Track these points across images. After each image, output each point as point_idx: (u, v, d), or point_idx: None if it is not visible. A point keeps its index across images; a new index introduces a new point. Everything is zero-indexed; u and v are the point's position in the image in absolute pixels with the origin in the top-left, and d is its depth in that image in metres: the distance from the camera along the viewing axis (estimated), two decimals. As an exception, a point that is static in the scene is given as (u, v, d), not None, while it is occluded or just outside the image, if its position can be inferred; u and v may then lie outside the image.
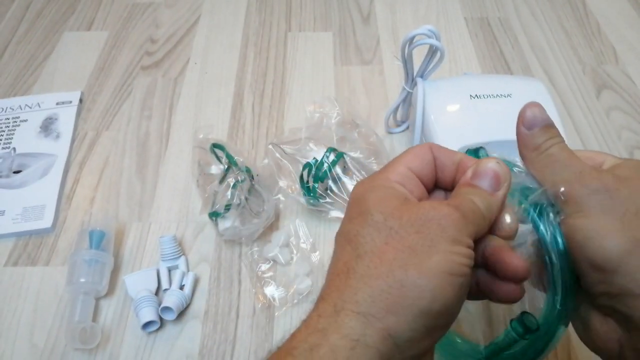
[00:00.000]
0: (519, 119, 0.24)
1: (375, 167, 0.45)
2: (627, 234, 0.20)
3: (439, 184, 0.24)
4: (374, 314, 0.18)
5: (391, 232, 0.20)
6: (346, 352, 0.18)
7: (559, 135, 0.24)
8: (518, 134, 0.24)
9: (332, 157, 0.43)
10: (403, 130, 0.53)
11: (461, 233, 0.20)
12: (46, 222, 0.46)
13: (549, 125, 0.24)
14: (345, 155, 0.44)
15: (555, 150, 0.23)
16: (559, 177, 0.22)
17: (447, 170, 0.23)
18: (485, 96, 0.42)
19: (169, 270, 0.42)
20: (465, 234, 0.20)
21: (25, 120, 0.55)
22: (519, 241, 0.23)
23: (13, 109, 0.56)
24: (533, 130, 0.23)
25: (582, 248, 0.21)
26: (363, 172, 0.44)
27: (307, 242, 0.43)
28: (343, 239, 0.21)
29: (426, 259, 0.19)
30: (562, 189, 0.22)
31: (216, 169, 0.46)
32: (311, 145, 0.45)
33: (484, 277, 0.22)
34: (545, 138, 0.23)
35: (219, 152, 0.46)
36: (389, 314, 0.18)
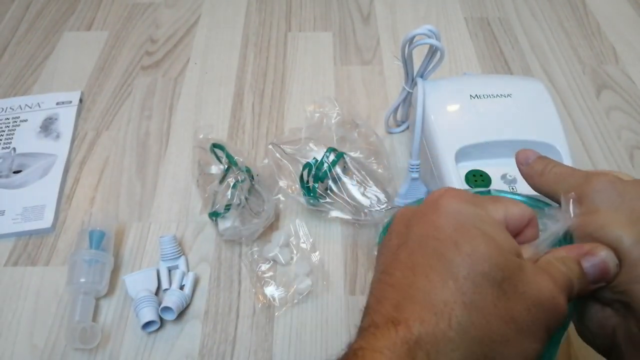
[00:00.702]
0: (517, 162, 0.26)
1: (375, 167, 0.45)
2: (635, 228, 0.21)
3: None
4: None
5: (503, 296, 0.18)
6: None
7: (554, 160, 0.26)
8: (521, 172, 0.26)
9: (332, 157, 0.43)
10: (403, 130, 0.53)
11: (556, 328, 0.20)
12: (46, 222, 0.46)
13: (543, 156, 0.26)
14: (345, 155, 0.44)
15: (558, 169, 0.25)
16: (568, 185, 0.24)
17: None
18: (485, 96, 0.42)
19: (169, 270, 0.42)
20: (561, 324, 0.20)
21: (25, 120, 0.55)
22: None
23: (13, 109, 0.56)
24: (530, 162, 0.26)
25: (593, 239, 0.22)
26: (363, 172, 0.44)
27: (307, 242, 0.44)
28: (437, 261, 0.19)
29: (526, 342, 0.18)
30: (573, 193, 0.23)
31: (216, 169, 0.46)
32: (311, 145, 0.45)
33: None
34: (544, 164, 0.25)
35: (219, 152, 0.46)
36: None
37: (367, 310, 0.20)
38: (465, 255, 0.19)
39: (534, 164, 0.26)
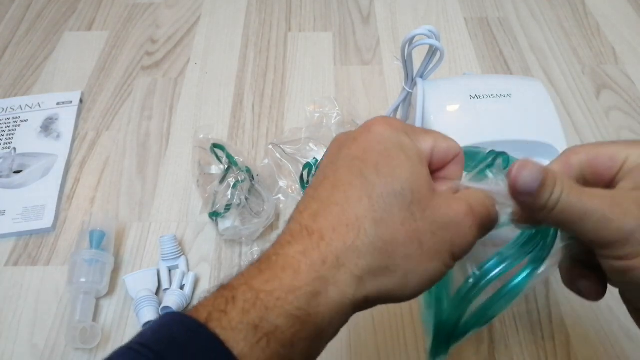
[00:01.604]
0: (512, 190, 0.20)
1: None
2: None
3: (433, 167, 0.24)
4: (366, 282, 0.20)
5: (411, 217, 0.20)
6: (339, 307, 0.19)
7: (555, 180, 0.20)
8: (519, 203, 0.21)
9: (332, 157, 0.43)
10: (403, 131, 0.53)
11: (464, 252, 0.21)
12: (46, 222, 0.46)
13: (543, 181, 0.20)
14: (345, 155, 0.44)
15: (564, 202, 0.20)
16: (585, 229, 0.20)
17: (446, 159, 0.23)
18: (485, 96, 0.42)
19: (169, 270, 0.42)
20: (468, 251, 0.21)
21: (26, 121, 0.55)
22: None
23: (13, 109, 0.56)
24: (532, 195, 0.20)
25: None
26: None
27: (307, 242, 0.44)
28: (358, 177, 0.21)
29: (427, 261, 0.20)
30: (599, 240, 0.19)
31: (216, 169, 0.46)
32: (311, 145, 0.45)
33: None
34: (547, 195, 0.20)
35: (219, 152, 0.46)
36: (380, 289, 0.20)
37: (288, 221, 0.22)
38: (382, 176, 0.20)
39: (535, 198, 0.20)
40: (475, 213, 0.21)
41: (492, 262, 0.23)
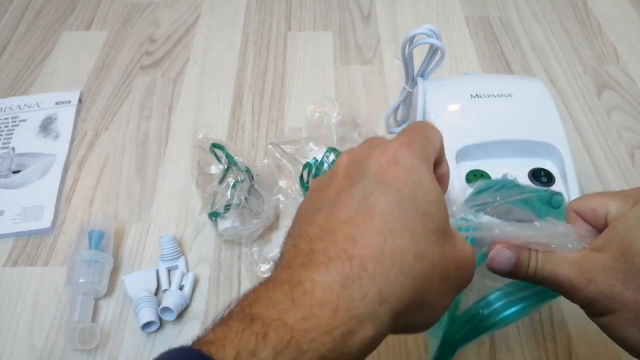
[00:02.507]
0: (493, 271, 0.25)
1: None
2: (637, 324, 0.21)
3: None
4: (402, 317, 0.19)
5: (444, 256, 0.20)
6: (371, 342, 0.19)
7: (529, 256, 0.24)
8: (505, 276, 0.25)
9: (332, 157, 0.43)
10: (403, 130, 0.53)
11: (461, 289, 0.22)
12: (45, 222, 0.46)
13: (515, 261, 0.24)
14: (345, 155, 0.44)
15: (540, 273, 0.24)
16: (561, 292, 0.24)
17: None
18: (486, 96, 0.42)
19: (169, 270, 0.42)
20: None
21: (25, 120, 0.55)
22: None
23: (12, 109, 0.56)
24: (510, 272, 0.24)
25: (612, 337, 0.23)
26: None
27: (307, 243, 0.43)
28: (396, 201, 0.20)
29: (448, 298, 0.21)
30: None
31: (216, 169, 0.46)
32: (311, 145, 0.44)
33: None
34: (524, 270, 0.24)
35: (219, 152, 0.45)
36: (409, 322, 0.20)
37: (310, 238, 0.19)
38: (420, 212, 0.20)
39: (516, 270, 0.24)
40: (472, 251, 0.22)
41: (500, 303, 0.25)
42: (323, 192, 0.22)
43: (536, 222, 0.24)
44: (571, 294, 0.23)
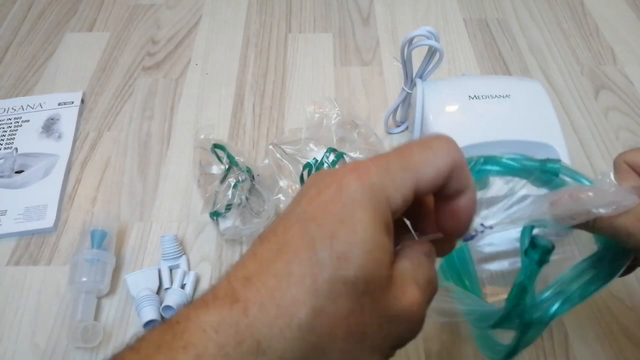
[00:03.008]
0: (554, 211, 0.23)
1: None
2: None
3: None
4: None
5: (358, 311, 0.17)
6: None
7: None
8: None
9: (332, 157, 0.43)
10: (402, 131, 0.53)
11: (406, 340, 0.19)
12: (48, 221, 0.46)
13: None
14: (345, 156, 0.44)
15: (599, 224, 0.23)
16: (618, 240, 0.24)
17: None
18: (484, 97, 0.42)
19: (170, 269, 0.42)
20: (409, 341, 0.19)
21: (27, 121, 0.55)
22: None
23: (15, 110, 0.57)
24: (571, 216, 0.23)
25: None
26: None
27: (307, 242, 0.44)
28: (310, 238, 0.17)
29: (364, 357, 0.17)
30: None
31: (217, 169, 0.46)
32: (311, 145, 0.45)
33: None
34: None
35: (220, 152, 0.46)
36: None
37: (226, 271, 0.18)
38: (334, 254, 0.16)
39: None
40: (425, 296, 0.19)
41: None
42: (275, 219, 0.20)
43: (590, 193, 0.23)
44: (627, 240, 0.23)
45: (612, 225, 0.23)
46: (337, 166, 0.43)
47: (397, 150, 0.19)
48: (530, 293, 0.24)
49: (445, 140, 0.19)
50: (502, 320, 0.25)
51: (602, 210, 0.22)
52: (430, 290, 0.19)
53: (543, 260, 0.22)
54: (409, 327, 0.18)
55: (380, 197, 0.18)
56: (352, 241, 0.17)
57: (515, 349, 0.25)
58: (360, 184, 0.17)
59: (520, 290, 0.24)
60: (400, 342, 0.18)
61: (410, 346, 0.38)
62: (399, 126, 0.53)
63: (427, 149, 0.19)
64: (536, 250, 0.22)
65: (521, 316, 0.24)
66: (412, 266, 0.19)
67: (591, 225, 0.24)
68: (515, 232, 0.25)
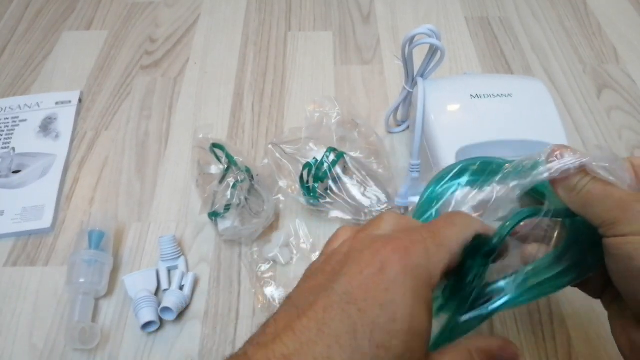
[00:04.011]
0: (550, 161, 0.23)
1: (375, 167, 0.45)
2: None
3: None
4: None
5: None
6: None
7: (592, 173, 0.23)
8: (552, 180, 0.23)
9: (332, 157, 0.43)
10: (403, 130, 0.53)
11: None
12: (45, 222, 0.46)
13: (581, 167, 0.23)
14: (345, 155, 0.44)
15: (591, 187, 0.22)
16: (600, 209, 0.22)
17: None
18: (486, 96, 0.42)
19: (169, 270, 0.42)
20: None
21: (25, 120, 0.55)
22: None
23: (12, 109, 0.56)
24: (570, 175, 0.23)
25: (631, 259, 0.21)
26: (363, 172, 0.44)
27: (307, 242, 0.43)
28: (351, 324, 0.17)
29: None
30: (608, 220, 0.22)
31: (216, 168, 0.46)
32: (311, 145, 0.44)
33: None
34: (578, 178, 0.23)
35: (219, 152, 0.45)
36: None
37: (258, 342, 0.18)
38: (375, 344, 0.17)
39: (569, 177, 0.23)
40: None
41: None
42: (306, 282, 0.20)
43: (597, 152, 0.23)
44: (614, 208, 0.21)
45: (604, 189, 0.22)
46: (336, 166, 0.43)
47: (428, 229, 0.20)
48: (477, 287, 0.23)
49: (466, 216, 0.22)
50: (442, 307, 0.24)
51: (603, 165, 0.22)
52: None
53: (486, 261, 0.22)
54: None
55: (422, 277, 0.18)
56: (391, 330, 0.17)
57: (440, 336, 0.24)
58: (403, 266, 0.18)
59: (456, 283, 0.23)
60: None
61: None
62: (399, 125, 0.53)
63: (453, 226, 0.21)
64: (479, 251, 0.22)
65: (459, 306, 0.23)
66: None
67: (582, 184, 0.22)
68: None
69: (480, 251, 0.22)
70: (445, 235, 0.20)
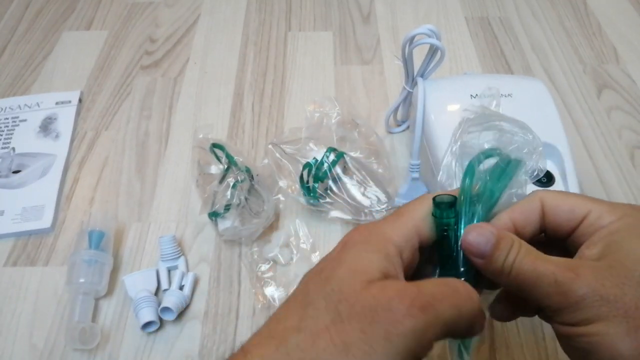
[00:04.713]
0: (466, 251, 0.21)
1: (375, 167, 0.45)
2: (635, 336, 0.18)
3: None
4: None
5: (337, 318, 0.18)
6: None
7: (511, 243, 0.20)
8: (478, 266, 0.21)
9: (332, 157, 0.43)
10: (403, 130, 0.53)
11: (413, 343, 0.17)
12: (45, 222, 0.46)
13: (495, 244, 0.20)
14: (345, 155, 0.44)
15: (518, 267, 0.20)
16: (538, 294, 0.20)
17: None
18: (486, 96, 0.42)
19: (169, 270, 0.42)
20: (420, 341, 0.18)
21: (25, 120, 0.55)
22: None
23: (12, 109, 0.56)
24: (485, 257, 0.20)
25: (589, 353, 0.19)
26: (363, 172, 0.44)
27: (307, 242, 0.43)
28: (301, 292, 0.20)
29: None
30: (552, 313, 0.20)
31: (216, 168, 0.46)
32: (311, 145, 0.44)
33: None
34: (502, 258, 0.20)
35: (219, 152, 0.45)
36: None
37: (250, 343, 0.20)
38: (319, 280, 0.19)
39: (491, 260, 0.20)
40: (431, 311, 0.18)
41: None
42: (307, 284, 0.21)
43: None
44: (552, 291, 0.19)
45: (535, 271, 0.19)
46: (336, 166, 0.43)
47: (389, 220, 0.22)
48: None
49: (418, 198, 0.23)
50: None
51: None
52: (446, 322, 0.18)
53: (446, 216, 0.22)
54: (392, 323, 0.17)
55: (371, 232, 0.21)
56: (334, 264, 0.20)
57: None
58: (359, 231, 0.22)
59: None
60: (394, 343, 0.17)
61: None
62: (399, 125, 0.53)
63: (405, 208, 0.22)
64: (438, 210, 0.22)
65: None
66: (423, 281, 0.20)
67: (508, 266, 0.20)
68: None
69: (445, 204, 0.22)
70: (404, 215, 0.22)
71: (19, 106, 0.56)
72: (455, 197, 0.22)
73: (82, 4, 0.70)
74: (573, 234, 0.22)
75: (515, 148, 0.24)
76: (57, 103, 0.56)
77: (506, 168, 0.23)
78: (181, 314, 0.40)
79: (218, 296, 0.41)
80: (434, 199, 0.22)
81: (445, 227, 0.22)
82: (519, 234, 0.22)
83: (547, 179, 0.38)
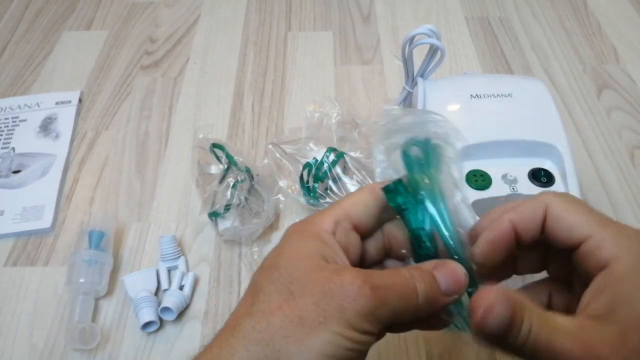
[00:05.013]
0: (479, 333, 0.19)
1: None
2: None
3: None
4: None
5: (290, 297, 0.19)
6: None
7: (522, 317, 0.19)
8: (493, 343, 0.19)
9: (332, 157, 0.43)
10: (403, 130, 0.53)
11: (364, 319, 0.18)
12: (45, 222, 0.46)
13: (511, 321, 0.18)
14: (345, 155, 0.44)
15: (532, 345, 0.18)
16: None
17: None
18: (486, 96, 0.42)
19: (169, 270, 0.42)
20: (370, 319, 0.18)
21: (25, 120, 0.55)
22: None
23: (12, 109, 0.56)
24: (498, 338, 0.19)
25: None
26: (363, 172, 0.44)
27: (307, 242, 0.43)
28: (250, 286, 0.21)
29: (311, 336, 0.18)
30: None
31: (216, 168, 0.46)
32: (311, 145, 0.44)
33: None
34: (515, 335, 0.18)
35: (219, 152, 0.45)
36: None
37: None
38: (265, 268, 0.21)
39: (506, 337, 0.19)
40: (380, 291, 0.19)
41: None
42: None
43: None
44: None
45: (551, 348, 0.18)
46: (336, 166, 0.43)
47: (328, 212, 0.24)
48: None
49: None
50: None
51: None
52: (396, 303, 0.19)
53: (396, 200, 0.23)
54: (346, 298, 0.18)
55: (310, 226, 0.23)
56: (277, 253, 0.22)
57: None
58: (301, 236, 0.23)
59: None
60: (348, 314, 0.18)
61: (412, 348, 0.38)
62: (399, 125, 0.53)
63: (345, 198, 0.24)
64: (390, 195, 0.23)
65: None
66: (387, 271, 0.21)
67: (521, 342, 0.18)
68: None
69: (392, 189, 0.23)
70: (334, 205, 0.23)
71: (19, 106, 0.56)
72: (398, 179, 0.23)
73: (82, 4, 0.70)
74: (572, 253, 0.21)
75: (433, 133, 0.25)
76: (57, 103, 0.56)
77: (431, 150, 0.25)
78: (181, 314, 0.40)
79: (218, 296, 0.41)
80: (382, 189, 0.23)
81: (403, 208, 0.23)
82: (518, 237, 0.21)
83: (547, 179, 0.38)
